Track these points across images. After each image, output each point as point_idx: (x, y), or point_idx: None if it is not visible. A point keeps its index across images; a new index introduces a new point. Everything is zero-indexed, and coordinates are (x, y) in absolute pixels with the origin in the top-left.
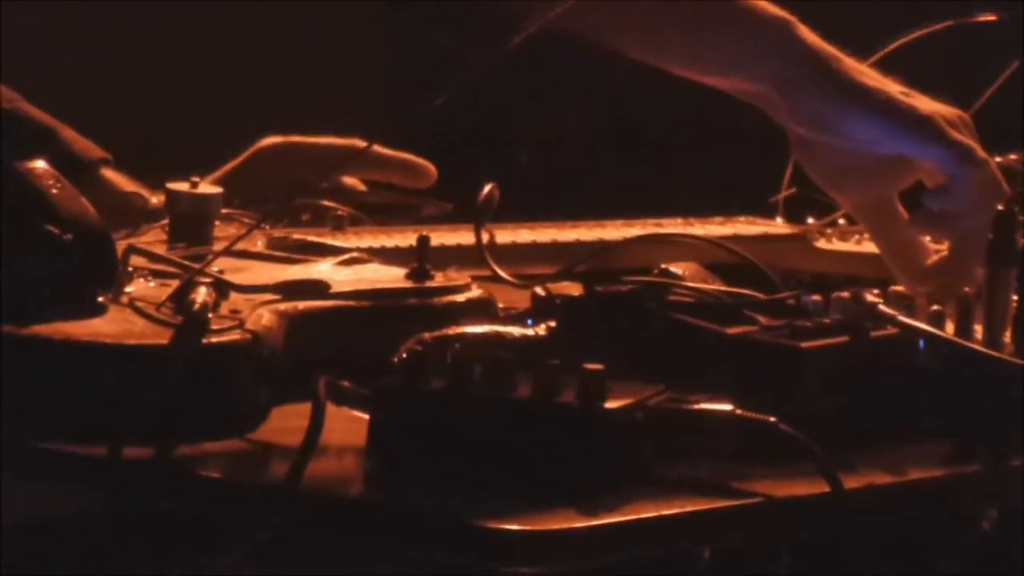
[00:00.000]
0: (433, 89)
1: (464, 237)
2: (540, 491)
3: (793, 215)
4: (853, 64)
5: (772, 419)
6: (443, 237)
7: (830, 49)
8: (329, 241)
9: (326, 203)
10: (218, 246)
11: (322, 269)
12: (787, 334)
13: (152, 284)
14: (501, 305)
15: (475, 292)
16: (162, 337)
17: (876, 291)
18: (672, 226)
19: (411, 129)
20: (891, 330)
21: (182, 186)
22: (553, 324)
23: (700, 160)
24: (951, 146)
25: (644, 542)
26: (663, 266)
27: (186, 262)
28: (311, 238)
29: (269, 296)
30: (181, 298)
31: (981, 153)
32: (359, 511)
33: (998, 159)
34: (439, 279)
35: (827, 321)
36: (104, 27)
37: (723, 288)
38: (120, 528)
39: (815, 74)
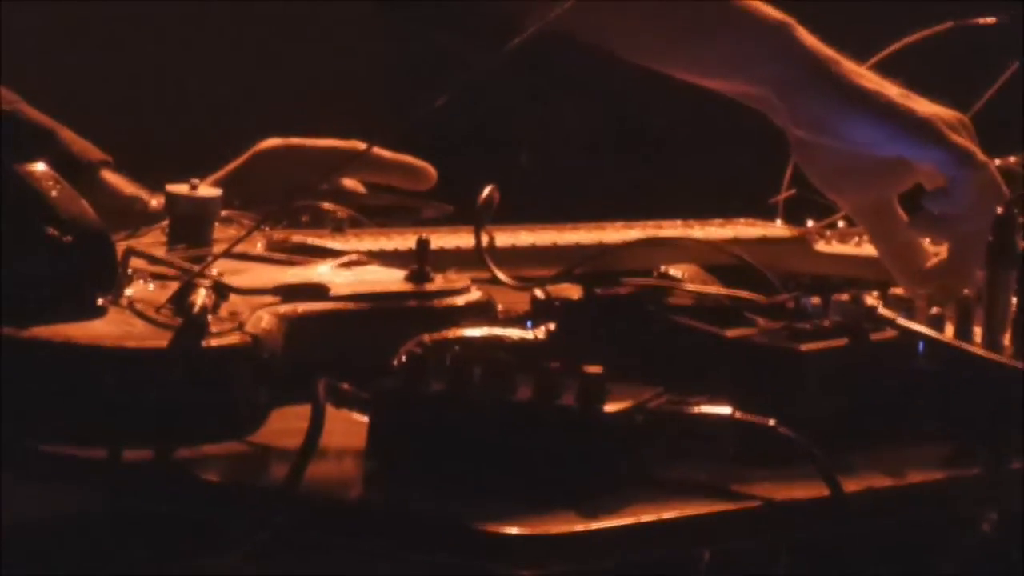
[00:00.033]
0: (433, 90)
1: (464, 239)
2: (540, 493)
3: (793, 217)
4: (852, 66)
5: (771, 421)
6: (443, 239)
7: (829, 51)
8: (329, 243)
9: (326, 205)
10: (217, 248)
11: (322, 271)
12: (786, 336)
13: (151, 286)
14: (500, 307)
15: (474, 294)
16: (161, 339)
17: (875, 293)
18: (671, 228)
19: (411, 131)
20: (890, 333)
21: (181, 188)
22: (553, 326)
23: (700, 161)
24: (950, 149)
25: (644, 545)
26: (662, 268)
27: (185, 264)
28: (311, 240)
29: (268, 298)
30: (180, 300)
31: (980, 155)
32: (359, 513)
33: (997, 161)
34: (439, 281)
35: (826, 323)
36: (104, 27)
37: (722, 290)
38: (120, 529)
39: (814, 77)
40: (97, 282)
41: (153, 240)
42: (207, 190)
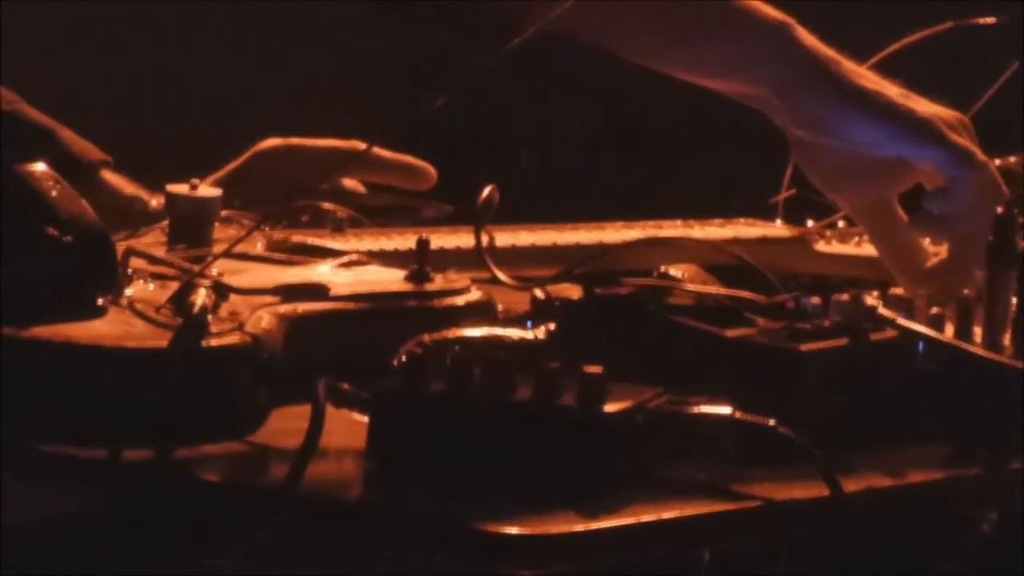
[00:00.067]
0: (433, 90)
1: (464, 239)
2: (540, 494)
3: (793, 217)
4: (852, 66)
5: (771, 421)
6: (443, 239)
7: (829, 51)
8: (329, 243)
9: (326, 205)
10: (217, 248)
11: (322, 271)
12: (786, 337)
13: (151, 286)
14: (500, 307)
15: (474, 294)
16: (161, 339)
17: (875, 293)
18: (672, 228)
19: (411, 131)
20: (890, 333)
21: (181, 188)
22: (553, 326)
23: (700, 161)
24: (950, 148)
25: (644, 545)
26: (662, 269)
27: (185, 264)
28: (311, 240)
29: (268, 298)
30: (180, 300)
31: (980, 155)
32: (359, 513)
33: (997, 161)
34: (438, 281)
35: (826, 323)
36: (104, 27)
37: (722, 291)
38: (120, 529)
39: (814, 77)
40: (97, 282)
41: (153, 240)
42: (207, 190)
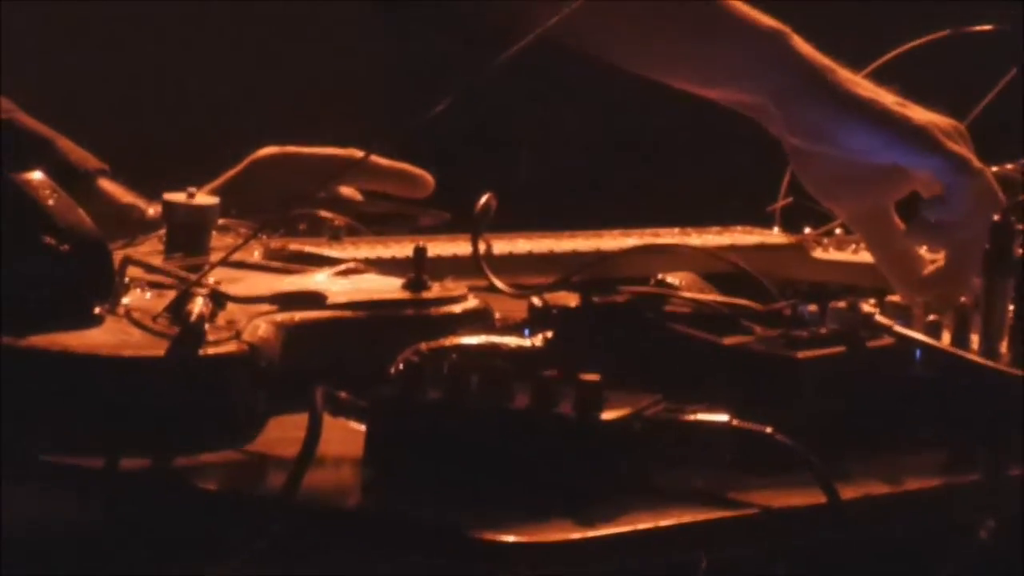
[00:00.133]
0: (433, 92)
1: (461, 247)
2: (537, 501)
3: (790, 224)
4: (848, 75)
5: (768, 429)
6: (440, 247)
7: (824, 60)
8: (326, 251)
9: (323, 213)
10: (215, 256)
11: (319, 279)
12: (783, 344)
13: (149, 295)
14: (498, 315)
15: (471, 302)
16: (158, 348)
17: (873, 301)
18: (669, 236)
19: (409, 137)
20: (887, 340)
21: (179, 197)
22: (550, 334)
23: (698, 167)
24: (947, 156)
25: (641, 552)
26: (660, 276)
27: (183, 273)
28: (308, 248)
29: (266, 307)
30: (178, 309)
31: (977, 163)
32: (356, 521)
33: (994, 168)
34: (436, 289)
35: (823, 331)
36: (104, 27)
37: (719, 298)
38: (119, 530)
39: (810, 85)
40: (94, 291)
41: (150, 249)
42: (204, 198)
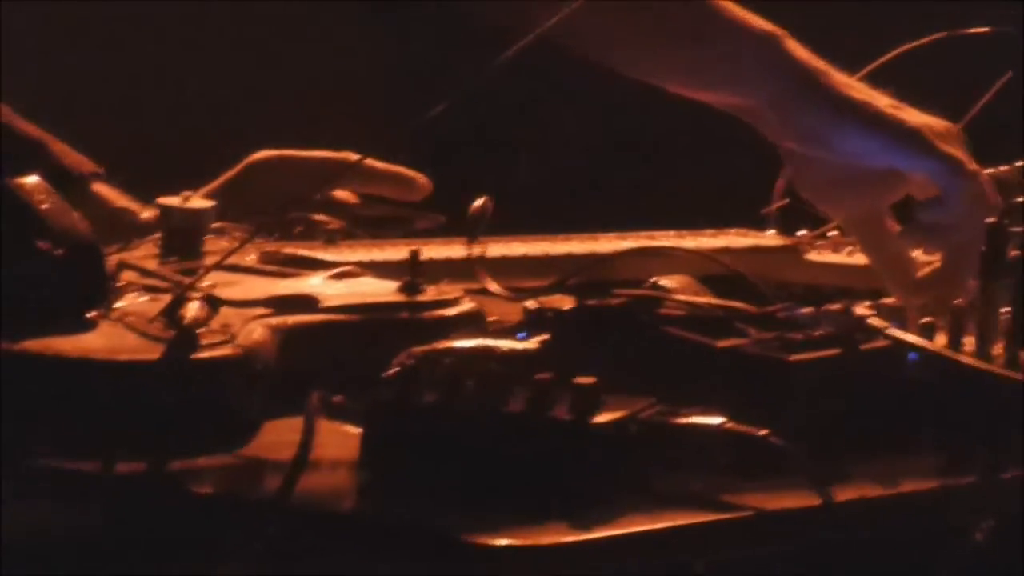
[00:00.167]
0: (432, 94)
1: (456, 250)
2: (532, 505)
3: (785, 227)
4: (842, 78)
5: (763, 432)
6: (435, 250)
7: (819, 63)
8: (321, 255)
9: (318, 217)
10: (210, 260)
11: (314, 283)
12: (777, 347)
13: (143, 299)
14: (493, 319)
15: (467, 306)
16: (153, 352)
17: (867, 303)
18: (664, 239)
19: (406, 140)
20: (882, 342)
21: (173, 200)
22: (545, 337)
23: (693, 170)
24: (942, 158)
25: (637, 555)
26: (654, 279)
27: (177, 277)
28: (303, 252)
29: (260, 310)
30: (172, 313)
31: (972, 165)
32: (352, 525)
33: (990, 170)
34: (431, 293)
35: (817, 334)
36: (104, 27)
37: (714, 301)
38: (119, 535)
39: (805, 89)
40: (88, 295)
41: (145, 253)
42: (199, 202)
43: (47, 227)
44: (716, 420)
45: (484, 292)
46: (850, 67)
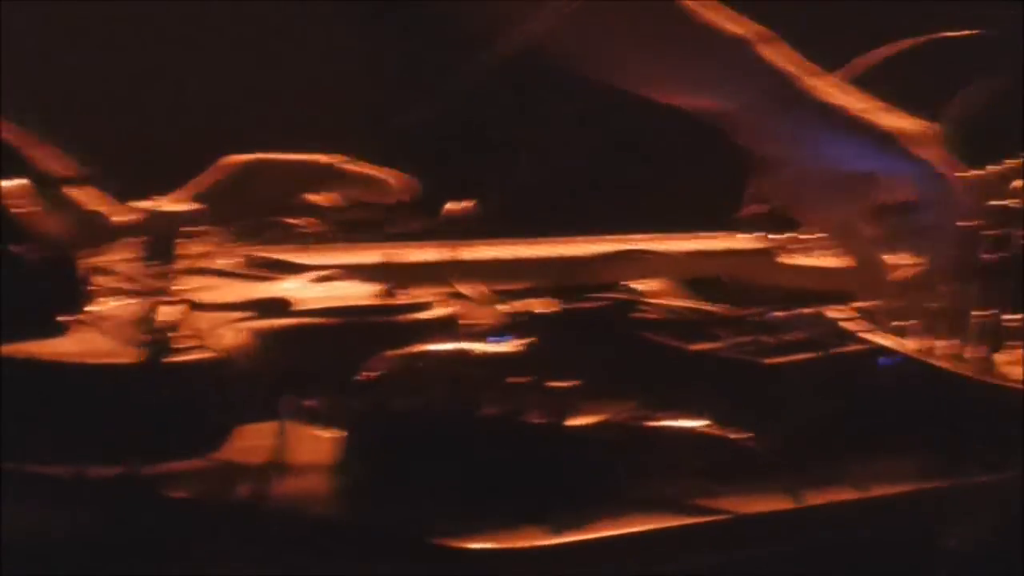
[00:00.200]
0: (410, 98)
1: (432, 254)
2: (508, 509)
3: (760, 230)
4: (818, 82)
5: (737, 436)
6: (411, 254)
7: (793, 66)
8: (297, 258)
9: (293, 220)
10: (184, 264)
11: (289, 286)
12: (753, 350)
13: (118, 303)
14: (469, 322)
15: (441, 309)
16: (127, 356)
17: (842, 306)
18: (641, 242)
19: (387, 141)
20: (856, 346)
21: (146, 204)
22: (520, 341)
23: (669, 171)
24: (917, 162)
25: (611, 558)
26: (629, 283)
27: (151, 280)
28: (278, 255)
29: (235, 314)
30: (146, 317)
31: (947, 169)
32: (325, 529)
33: (966, 174)
34: (405, 296)
35: (793, 337)
36: (104, 27)
37: (690, 304)
38: (91, 539)
39: (780, 93)
40: (62, 299)
41: (119, 256)
42: (172, 205)
43: (21, 232)
44: (691, 424)
45: (459, 295)
46: (843, 62)
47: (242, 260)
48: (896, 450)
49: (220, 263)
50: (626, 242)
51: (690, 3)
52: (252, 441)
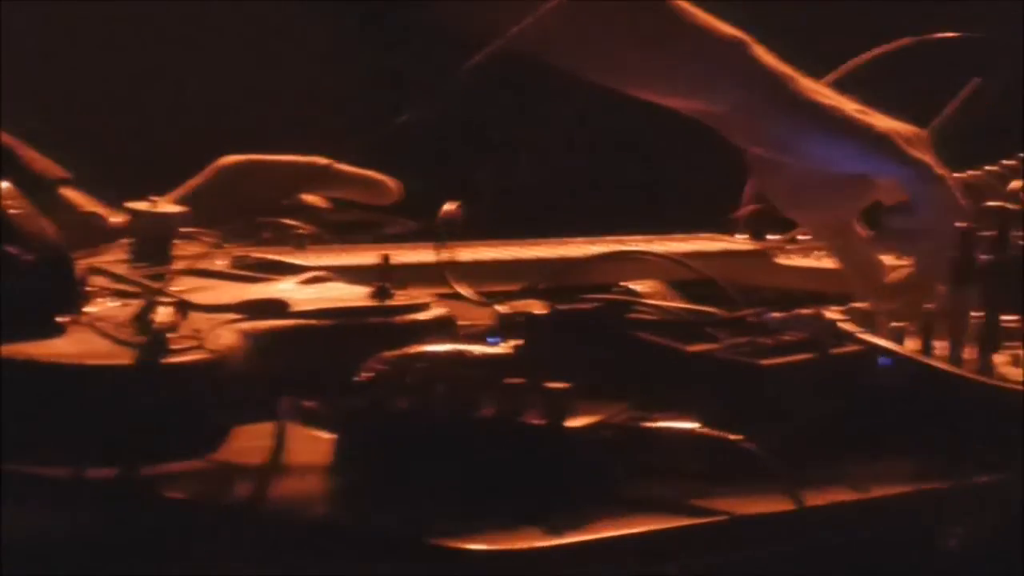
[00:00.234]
0: (401, 101)
1: (427, 255)
2: (505, 510)
3: (755, 231)
4: (809, 83)
5: (734, 437)
6: (406, 255)
7: (786, 69)
8: (291, 259)
9: (288, 221)
10: (179, 265)
11: (284, 288)
12: (749, 352)
13: (113, 304)
14: (464, 323)
15: (437, 311)
16: (123, 357)
17: (838, 308)
18: (635, 243)
19: (379, 144)
20: (853, 347)
21: (142, 205)
22: (516, 342)
23: (663, 173)
24: (910, 164)
25: (608, 561)
26: (625, 284)
27: (147, 282)
28: (273, 256)
29: (231, 315)
30: (142, 318)
31: (940, 170)
32: (324, 530)
33: (959, 175)
34: (401, 298)
35: (789, 338)
36: (104, 27)
37: (685, 306)
38: (90, 540)
39: (772, 95)
40: (58, 301)
41: (114, 258)
42: (167, 207)
43: (16, 233)
44: (688, 425)
45: (455, 297)
46: (832, 66)
47: (238, 261)
48: (895, 451)
49: (217, 264)
50: (622, 243)
51: (683, 4)
52: (250, 442)
